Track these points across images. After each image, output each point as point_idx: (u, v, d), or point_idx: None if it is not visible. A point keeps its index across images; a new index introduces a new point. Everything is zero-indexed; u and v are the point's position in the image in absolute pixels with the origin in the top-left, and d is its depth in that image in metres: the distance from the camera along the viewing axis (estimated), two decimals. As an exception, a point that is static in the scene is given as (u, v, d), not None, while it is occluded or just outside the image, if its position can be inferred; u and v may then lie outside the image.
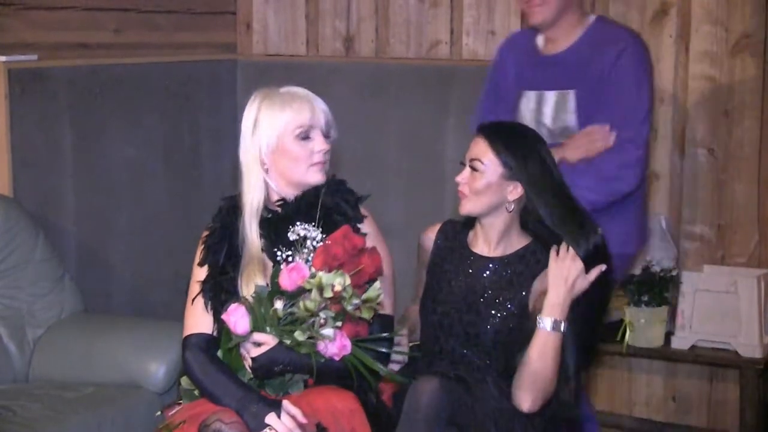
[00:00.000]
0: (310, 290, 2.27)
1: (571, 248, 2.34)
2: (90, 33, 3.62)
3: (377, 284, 2.32)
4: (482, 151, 2.44)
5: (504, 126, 2.55)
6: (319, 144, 2.46)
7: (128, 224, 3.73)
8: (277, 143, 2.46)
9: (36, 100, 3.38)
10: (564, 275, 2.36)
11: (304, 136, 2.44)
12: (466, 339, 2.51)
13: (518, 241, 2.49)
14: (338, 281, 2.25)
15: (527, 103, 2.90)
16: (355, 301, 2.26)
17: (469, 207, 2.47)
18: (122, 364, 3.30)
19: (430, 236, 2.61)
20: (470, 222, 2.56)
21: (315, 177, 2.48)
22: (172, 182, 3.85)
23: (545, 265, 2.42)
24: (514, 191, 2.45)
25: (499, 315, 2.48)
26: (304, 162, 2.45)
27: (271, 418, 2.25)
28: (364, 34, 3.83)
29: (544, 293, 2.41)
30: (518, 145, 2.46)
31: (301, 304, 2.28)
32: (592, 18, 2.86)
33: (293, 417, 2.23)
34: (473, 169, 2.44)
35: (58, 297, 3.43)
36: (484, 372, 2.53)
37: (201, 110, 3.92)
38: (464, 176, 2.45)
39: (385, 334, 2.39)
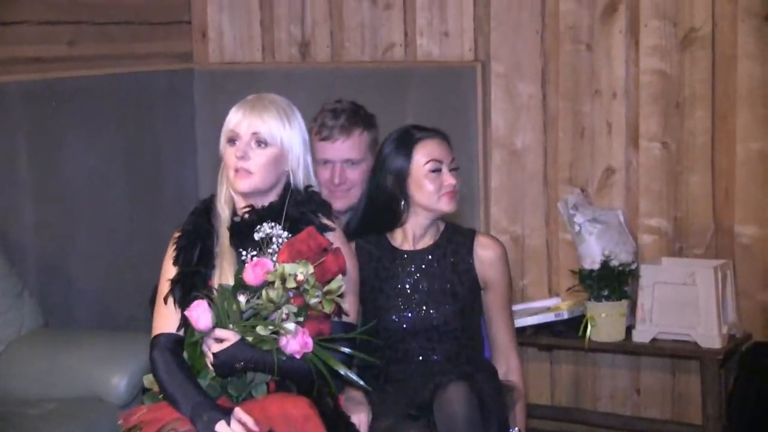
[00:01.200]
0: (273, 283, 2.34)
1: None
2: (44, 47, 3.69)
3: (339, 277, 2.38)
4: (450, 153, 2.61)
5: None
6: (233, 151, 2.49)
7: (89, 236, 3.80)
8: (221, 145, 2.53)
9: (-10, 116, 3.50)
10: None
11: (231, 141, 2.50)
12: (434, 332, 2.63)
13: (437, 227, 2.66)
14: (300, 270, 2.33)
15: None
16: (317, 293, 2.32)
17: (453, 207, 2.63)
18: (84, 379, 3.37)
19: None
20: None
21: (236, 185, 2.53)
22: (132, 193, 3.95)
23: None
24: None
25: (456, 297, 2.63)
26: (229, 168, 2.51)
27: (220, 426, 2.30)
28: (320, 39, 3.94)
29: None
30: None
31: (264, 294, 2.35)
32: None
33: (244, 424, 2.29)
34: (455, 169, 2.61)
35: (18, 313, 3.48)
36: (456, 365, 2.63)
37: (159, 120, 4.02)
38: (453, 179, 2.60)
39: (346, 334, 2.43)
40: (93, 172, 3.82)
